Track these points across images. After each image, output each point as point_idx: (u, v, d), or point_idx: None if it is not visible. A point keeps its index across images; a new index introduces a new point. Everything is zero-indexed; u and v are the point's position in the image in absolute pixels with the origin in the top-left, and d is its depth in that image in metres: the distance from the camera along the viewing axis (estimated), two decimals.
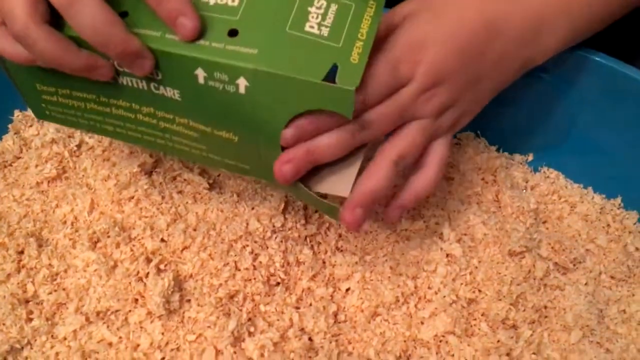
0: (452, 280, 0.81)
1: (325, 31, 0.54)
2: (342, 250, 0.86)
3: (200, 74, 0.54)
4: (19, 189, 0.90)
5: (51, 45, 0.56)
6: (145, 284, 0.79)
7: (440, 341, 0.79)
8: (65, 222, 0.86)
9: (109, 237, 0.83)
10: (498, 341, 0.79)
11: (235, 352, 0.76)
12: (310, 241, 0.86)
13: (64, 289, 0.81)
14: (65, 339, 0.78)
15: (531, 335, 0.81)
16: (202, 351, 0.77)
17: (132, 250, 0.82)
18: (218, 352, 0.77)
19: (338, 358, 0.78)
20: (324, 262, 0.86)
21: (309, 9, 0.54)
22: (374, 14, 0.55)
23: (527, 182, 0.96)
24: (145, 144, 0.72)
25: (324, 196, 0.67)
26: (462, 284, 0.81)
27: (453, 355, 0.79)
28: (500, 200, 0.91)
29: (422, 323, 0.80)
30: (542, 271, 0.83)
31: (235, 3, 0.54)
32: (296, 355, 0.76)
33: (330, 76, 0.52)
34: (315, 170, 0.63)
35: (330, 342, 0.79)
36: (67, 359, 0.77)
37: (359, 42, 0.54)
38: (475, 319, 0.81)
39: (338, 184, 0.63)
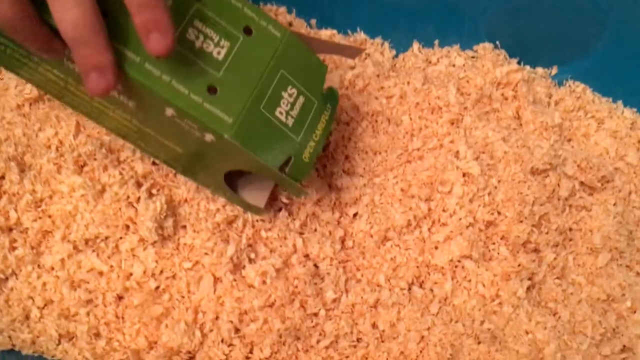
0: (469, 201, 0.74)
1: (290, 121, 0.58)
2: (349, 173, 0.80)
3: (170, 112, 0.55)
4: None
5: (14, 9, 0.49)
6: (136, 209, 0.73)
7: (456, 266, 0.74)
8: (49, 147, 0.79)
9: (95, 160, 0.76)
10: (519, 265, 0.73)
11: (235, 280, 0.71)
12: (315, 163, 0.79)
13: (49, 216, 0.75)
14: (52, 268, 0.73)
15: (555, 259, 0.75)
16: (199, 279, 0.71)
17: (121, 173, 0.75)
18: (217, 279, 0.71)
19: (346, 285, 0.73)
20: (329, 186, 0.79)
21: (283, 93, 0.58)
22: (329, 119, 0.62)
23: (550, 97, 0.88)
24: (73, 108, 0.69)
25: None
26: (479, 205, 0.74)
27: (470, 281, 0.73)
28: (522, 116, 0.83)
29: (436, 248, 0.74)
30: (567, 191, 0.77)
31: (220, 57, 0.55)
32: (300, 282, 0.71)
33: (284, 165, 0.58)
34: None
35: (337, 269, 0.73)
36: (55, 290, 0.72)
37: (313, 142, 0.60)
38: (494, 243, 0.75)
39: (256, 196, 0.72)
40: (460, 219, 0.73)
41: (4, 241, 0.73)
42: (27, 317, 0.71)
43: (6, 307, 0.72)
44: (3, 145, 0.80)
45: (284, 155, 0.58)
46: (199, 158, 0.65)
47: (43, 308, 0.72)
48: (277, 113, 0.57)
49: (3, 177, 0.77)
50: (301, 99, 0.60)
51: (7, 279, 0.73)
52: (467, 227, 0.73)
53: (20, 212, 0.75)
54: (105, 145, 0.77)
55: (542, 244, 0.75)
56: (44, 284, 0.72)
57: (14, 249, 0.73)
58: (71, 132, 0.79)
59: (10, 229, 0.75)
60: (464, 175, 0.75)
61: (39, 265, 0.73)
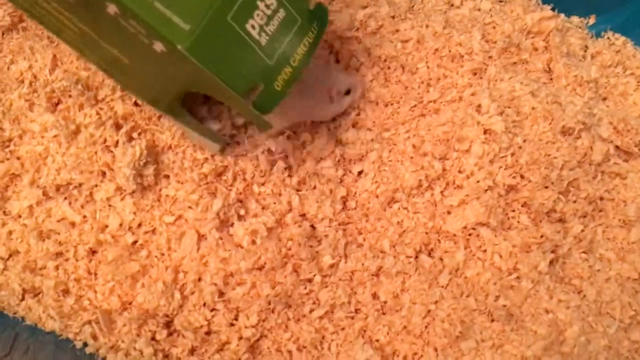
0: (489, 162, 0.65)
1: (264, 39, 0.48)
2: (356, 126, 0.71)
3: (113, 9, 0.45)
4: None
5: None
6: (113, 154, 0.65)
7: (470, 234, 0.66)
8: (22, 81, 0.71)
9: (70, 97, 0.68)
10: (541, 236, 0.65)
11: (221, 238, 0.63)
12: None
13: (17, 158, 0.67)
14: (19, 216, 0.66)
15: (582, 230, 0.67)
16: (181, 235, 0.64)
17: (98, 113, 0.67)
18: (200, 236, 0.64)
19: (345, 249, 0.65)
20: (335, 140, 0.70)
21: (258, 3, 0.47)
22: (313, 42, 0.52)
23: (586, 50, 0.78)
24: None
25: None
26: (501, 167, 0.66)
27: (485, 251, 0.65)
28: (553, 69, 0.74)
29: (448, 212, 0.66)
30: (600, 155, 0.68)
31: None
32: (294, 244, 0.63)
33: (251, 92, 0.48)
34: None
35: (337, 231, 0.65)
36: (22, 239, 0.65)
37: (289, 68, 0.50)
38: (514, 210, 0.67)
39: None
40: (478, 181, 0.65)
41: None
42: None
43: None
44: None
45: (252, 80, 0.48)
46: (148, 72, 0.55)
47: (7, 259, 0.65)
48: (248, 27, 0.47)
49: None
50: (281, 13, 0.49)
51: None
52: (485, 190, 0.65)
53: None
54: (82, 82, 0.68)
55: (568, 213, 0.67)
56: (10, 232, 0.65)
57: None
58: (47, 65, 0.71)
59: None
60: (485, 132, 0.66)
61: (4, 212, 0.66)
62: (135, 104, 0.68)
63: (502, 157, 0.66)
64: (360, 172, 0.69)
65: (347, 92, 0.68)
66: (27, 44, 0.72)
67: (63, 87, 0.67)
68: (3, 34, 0.75)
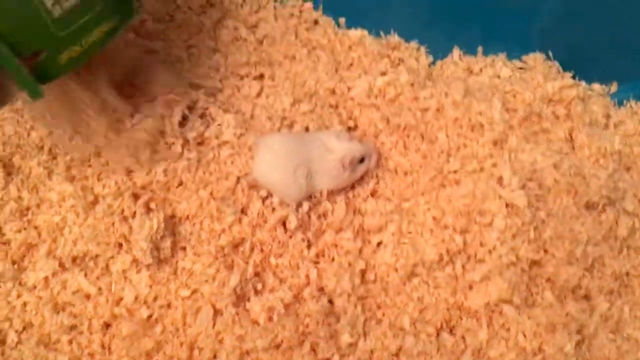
0: (511, 236, 0.64)
1: (57, 11, 0.48)
2: (375, 195, 0.70)
3: None
4: None
5: None
6: (131, 225, 0.65)
7: (493, 311, 0.64)
8: (41, 148, 0.71)
9: (90, 166, 0.68)
10: (567, 315, 0.63)
11: (237, 314, 0.62)
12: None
13: (35, 227, 0.67)
14: (34, 287, 0.65)
15: (609, 309, 0.65)
16: (197, 310, 0.63)
17: (117, 183, 0.66)
18: (217, 311, 0.63)
19: (364, 326, 0.63)
20: (354, 210, 0.69)
21: None
22: (110, 31, 0.53)
23: (608, 119, 0.77)
24: None
25: None
26: (524, 241, 0.64)
27: (508, 330, 0.63)
28: (576, 139, 0.73)
29: (470, 288, 0.65)
30: (626, 229, 0.66)
31: None
32: (312, 321, 0.62)
33: (31, 56, 0.48)
34: None
35: (355, 306, 0.64)
36: (37, 312, 0.64)
37: (78, 47, 0.51)
38: (538, 286, 0.65)
39: None
40: (501, 256, 0.64)
41: None
42: (3, 342, 0.63)
43: None
44: None
45: (34, 45, 0.48)
46: None
47: (21, 332, 0.64)
48: None
49: None
50: None
51: None
52: (508, 266, 0.64)
53: (3, 222, 0.67)
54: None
55: (594, 290, 0.65)
56: (24, 304, 0.64)
57: None
58: (66, 132, 0.71)
59: None
60: (507, 205, 0.65)
61: (20, 283, 0.65)
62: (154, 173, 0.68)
63: (525, 231, 0.65)
64: (379, 243, 0.68)
65: (362, 160, 0.68)
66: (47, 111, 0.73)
67: (84, 157, 0.67)
68: (25, 99, 0.75)
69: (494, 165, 0.68)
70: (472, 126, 0.71)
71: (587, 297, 0.65)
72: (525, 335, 0.63)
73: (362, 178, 0.70)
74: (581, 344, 0.63)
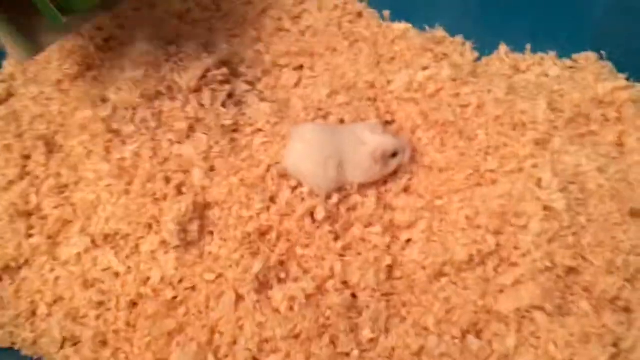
0: (547, 240, 0.61)
1: None
2: (407, 191, 0.68)
3: None
4: (37, 86, 0.77)
5: None
6: (161, 207, 0.65)
7: (523, 317, 0.61)
8: (84, 128, 0.73)
9: (125, 144, 0.69)
10: (603, 326, 0.59)
11: (258, 301, 0.62)
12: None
13: (71, 204, 0.69)
14: (67, 262, 0.66)
15: None
16: (220, 294, 0.63)
17: (151, 164, 0.67)
18: (239, 297, 0.62)
19: (387, 323, 0.62)
20: (385, 205, 0.68)
21: None
22: None
23: None
24: None
25: None
26: (561, 247, 0.61)
27: (539, 338, 0.60)
28: (625, 143, 0.69)
29: (501, 291, 0.62)
30: None
31: None
32: (334, 314, 0.61)
33: None
34: None
35: (379, 302, 0.62)
36: (68, 286, 0.65)
37: None
38: (573, 294, 0.62)
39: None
40: (535, 260, 0.61)
41: (21, 227, 0.67)
42: (34, 314, 0.65)
43: (15, 299, 0.66)
44: (36, 122, 0.74)
45: None
46: None
47: (52, 305, 0.65)
48: None
49: (29, 157, 0.71)
50: None
51: (19, 268, 0.67)
52: (543, 271, 0.61)
53: (42, 197, 0.69)
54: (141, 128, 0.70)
55: (634, 302, 0.61)
56: (57, 278, 0.66)
57: (31, 236, 0.68)
58: (108, 114, 0.72)
59: (29, 214, 0.69)
60: (545, 208, 0.62)
61: (54, 257, 0.67)
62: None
63: (563, 236, 0.62)
64: (408, 240, 0.66)
65: (395, 155, 0.66)
66: (93, 93, 0.75)
67: (125, 133, 0.69)
68: (71, 81, 0.77)
69: (534, 166, 0.65)
70: (514, 125, 0.68)
71: (626, 310, 0.61)
72: (556, 345, 0.59)
73: (395, 173, 0.69)
74: (616, 358, 0.59)
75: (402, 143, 0.67)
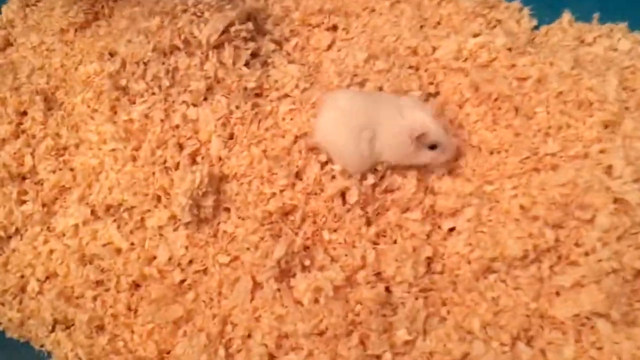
0: (616, 238, 0.54)
1: None
2: (452, 174, 0.60)
3: None
4: (38, 35, 0.69)
5: None
6: (172, 178, 0.58)
7: (583, 325, 0.54)
8: (88, 84, 0.65)
9: (134, 103, 0.61)
10: None
11: (279, 290, 0.54)
12: None
13: (71, 169, 0.62)
14: (63, 234, 0.59)
15: None
16: (235, 280, 0.56)
17: (162, 129, 0.59)
18: (256, 285, 0.55)
19: (425, 323, 0.54)
20: (426, 188, 0.59)
21: None
22: None
23: None
24: None
25: None
26: (631, 246, 0.53)
27: (601, 349, 0.53)
28: None
29: (557, 294, 0.55)
30: None
31: None
32: (364, 310, 0.53)
33: None
34: None
35: (417, 299, 0.55)
36: (62, 261, 0.58)
37: None
38: None
39: None
40: (601, 260, 0.53)
41: (12, 191, 0.60)
42: (23, 290, 0.58)
43: (2, 273, 0.59)
44: (35, 74, 0.66)
45: None
46: None
47: (44, 282, 0.58)
48: None
49: (25, 113, 0.63)
50: None
51: (9, 238, 0.60)
52: (608, 273, 0.53)
53: (38, 160, 0.62)
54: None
55: None
56: (51, 251, 0.59)
57: (23, 202, 0.61)
58: (117, 69, 0.64)
59: (23, 178, 0.62)
60: (615, 201, 0.54)
61: (48, 228, 0.60)
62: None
63: (634, 234, 0.53)
64: (451, 230, 0.58)
65: (433, 147, 0.57)
66: (100, 44, 0.67)
67: (134, 91, 0.61)
68: (76, 31, 0.70)
69: (603, 151, 0.57)
70: (579, 103, 0.60)
71: None
72: (620, 358, 0.52)
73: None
74: None
75: (447, 137, 0.57)
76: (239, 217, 0.57)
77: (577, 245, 0.55)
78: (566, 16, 0.68)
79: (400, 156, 0.58)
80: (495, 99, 0.62)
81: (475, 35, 0.66)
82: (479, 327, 0.53)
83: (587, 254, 0.54)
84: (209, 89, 0.61)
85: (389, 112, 0.57)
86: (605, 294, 0.52)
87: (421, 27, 0.69)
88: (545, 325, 0.54)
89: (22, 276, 0.58)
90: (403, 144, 0.56)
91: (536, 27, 0.69)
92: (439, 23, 0.70)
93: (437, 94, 0.65)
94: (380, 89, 0.63)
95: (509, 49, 0.64)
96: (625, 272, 0.53)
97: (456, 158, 0.60)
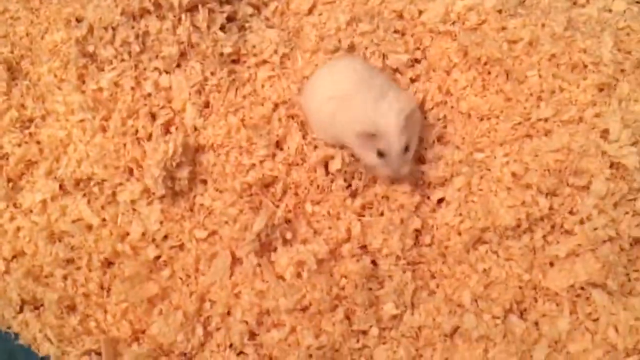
0: (612, 205, 0.52)
1: None
2: (441, 141, 0.57)
3: None
4: (1, 2, 0.65)
5: None
6: (144, 149, 0.54)
7: (578, 296, 0.52)
8: (55, 52, 0.62)
9: (102, 70, 0.58)
10: None
11: (259, 265, 0.52)
12: None
13: (37, 142, 0.58)
14: (30, 211, 0.56)
15: None
16: (212, 255, 0.53)
17: (132, 98, 0.56)
18: (236, 260, 0.53)
19: (413, 297, 0.52)
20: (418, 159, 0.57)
21: None
22: None
23: None
24: None
25: None
26: (628, 213, 0.51)
27: (597, 320, 0.51)
28: None
29: (551, 264, 0.53)
30: None
31: None
32: (350, 284, 0.51)
33: None
34: None
35: (404, 272, 0.52)
36: (30, 239, 0.55)
37: None
38: (639, 271, 0.51)
39: None
40: (596, 228, 0.51)
41: None
42: None
43: None
44: None
45: None
46: None
47: (10, 261, 0.55)
48: None
49: None
50: None
51: None
52: (605, 242, 0.51)
53: (2, 132, 0.58)
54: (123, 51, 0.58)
55: None
56: (17, 229, 0.56)
57: None
58: (84, 35, 0.60)
59: None
60: (612, 165, 0.52)
61: (15, 205, 0.57)
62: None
63: (631, 199, 0.51)
64: (440, 200, 0.56)
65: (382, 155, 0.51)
66: (67, 11, 0.63)
67: (103, 57, 0.57)
68: None
69: (598, 115, 0.55)
70: (572, 66, 0.57)
71: None
72: (617, 330, 0.50)
73: (425, 119, 0.57)
74: None
75: (398, 157, 0.50)
76: (216, 190, 0.54)
77: (571, 213, 0.53)
78: None
79: (351, 143, 0.52)
80: (485, 63, 0.59)
81: None
82: (469, 300, 0.51)
83: (582, 222, 0.52)
84: (182, 54, 0.58)
85: (368, 94, 0.51)
86: (602, 263, 0.51)
87: None
88: (539, 297, 0.52)
89: None
90: (351, 133, 0.51)
91: None
92: None
93: (423, 59, 0.62)
94: (364, 55, 0.60)
95: (499, 11, 0.61)
96: (622, 240, 0.51)
97: (445, 125, 0.58)
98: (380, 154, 0.50)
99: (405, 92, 0.55)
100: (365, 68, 0.54)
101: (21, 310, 0.53)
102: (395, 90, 0.52)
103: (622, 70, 0.58)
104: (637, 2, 0.64)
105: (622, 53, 0.59)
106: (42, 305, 0.53)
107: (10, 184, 0.57)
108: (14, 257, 0.55)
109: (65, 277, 0.54)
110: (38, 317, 0.53)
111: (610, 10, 0.63)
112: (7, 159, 0.58)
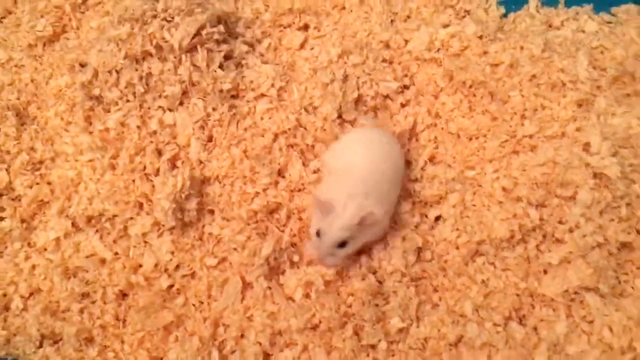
0: (598, 213, 0.54)
1: None
2: (433, 161, 0.60)
3: None
4: (6, 51, 0.68)
5: None
6: (153, 183, 0.57)
7: (573, 300, 0.54)
8: (60, 96, 0.64)
9: (108, 112, 0.60)
10: None
11: (269, 288, 0.54)
12: None
13: (48, 183, 0.60)
14: (44, 249, 0.58)
15: None
16: (224, 282, 0.55)
17: (139, 136, 0.58)
18: (246, 284, 0.55)
19: (418, 311, 0.54)
20: (409, 178, 0.60)
21: None
22: None
23: None
24: None
25: None
26: (613, 219, 0.54)
27: (592, 322, 0.53)
28: None
29: (545, 272, 0.56)
30: None
31: None
32: (357, 301, 0.53)
33: None
34: None
35: (408, 288, 0.55)
36: (45, 276, 0.57)
37: None
38: (628, 273, 0.55)
39: None
40: (585, 235, 0.54)
41: None
42: (7, 308, 0.57)
43: None
44: (5, 90, 0.65)
45: None
46: None
47: (28, 298, 0.57)
48: None
49: None
50: None
51: None
52: (594, 248, 0.54)
53: (14, 175, 0.60)
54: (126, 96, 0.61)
55: None
56: (33, 267, 0.58)
57: (1, 219, 0.59)
58: (88, 80, 0.63)
59: None
60: (595, 176, 0.55)
61: (29, 244, 0.59)
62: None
63: (616, 207, 0.55)
64: (438, 217, 0.58)
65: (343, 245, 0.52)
66: (69, 57, 0.66)
67: (108, 99, 0.60)
68: (44, 45, 0.69)
69: (579, 129, 0.58)
70: (552, 85, 0.61)
71: None
72: (612, 330, 0.52)
73: (417, 141, 0.61)
74: None
75: (334, 230, 0.51)
76: (223, 219, 0.57)
77: (561, 222, 0.55)
78: (533, 2, 0.70)
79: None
80: (470, 86, 0.62)
81: (446, 26, 0.67)
82: (471, 310, 0.54)
83: (571, 230, 0.55)
84: (185, 92, 0.61)
85: (357, 179, 0.53)
86: (592, 268, 0.53)
87: (392, 21, 0.70)
88: (536, 303, 0.55)
89: (5, 294, 0.56)
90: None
91: (504, 15, 0.70)
92: (408, 16, 0.70)
93: (411, 85, 0.65)
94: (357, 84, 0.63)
95: (480, 37, 0.65)
96: (610, 246, 0.54)
97: (436, 146, 0.61)
98: (318, 233, 0.51)
99: (386, 201, 0.55)
100: (381, 155, 0.56)
101: (41, 345, 0.55)
102: (377, 194, 0.53)
103: (599, 87, 0.61)
104: (608, 23, 0.68)
105: (598, 70, 0.63)
106: (61, 339, 0.55)
107: (24, 225, 0.58)
108: (31, 294, 0.56)
109: (81, 311, 0.55)
110: (57, 351, 0.54)
111: (583, 31, 0.67)
112: (20, 200, 0.60)
